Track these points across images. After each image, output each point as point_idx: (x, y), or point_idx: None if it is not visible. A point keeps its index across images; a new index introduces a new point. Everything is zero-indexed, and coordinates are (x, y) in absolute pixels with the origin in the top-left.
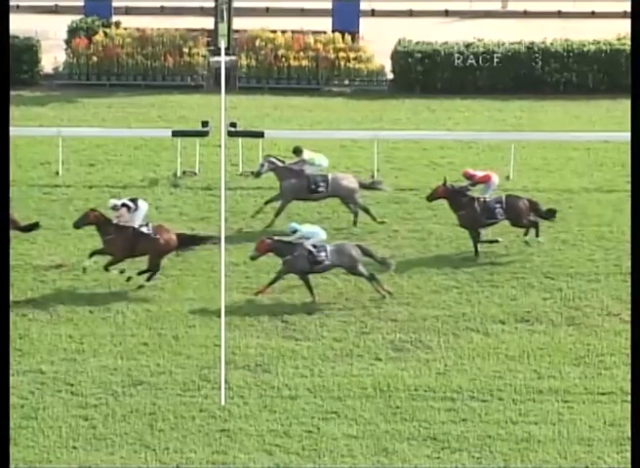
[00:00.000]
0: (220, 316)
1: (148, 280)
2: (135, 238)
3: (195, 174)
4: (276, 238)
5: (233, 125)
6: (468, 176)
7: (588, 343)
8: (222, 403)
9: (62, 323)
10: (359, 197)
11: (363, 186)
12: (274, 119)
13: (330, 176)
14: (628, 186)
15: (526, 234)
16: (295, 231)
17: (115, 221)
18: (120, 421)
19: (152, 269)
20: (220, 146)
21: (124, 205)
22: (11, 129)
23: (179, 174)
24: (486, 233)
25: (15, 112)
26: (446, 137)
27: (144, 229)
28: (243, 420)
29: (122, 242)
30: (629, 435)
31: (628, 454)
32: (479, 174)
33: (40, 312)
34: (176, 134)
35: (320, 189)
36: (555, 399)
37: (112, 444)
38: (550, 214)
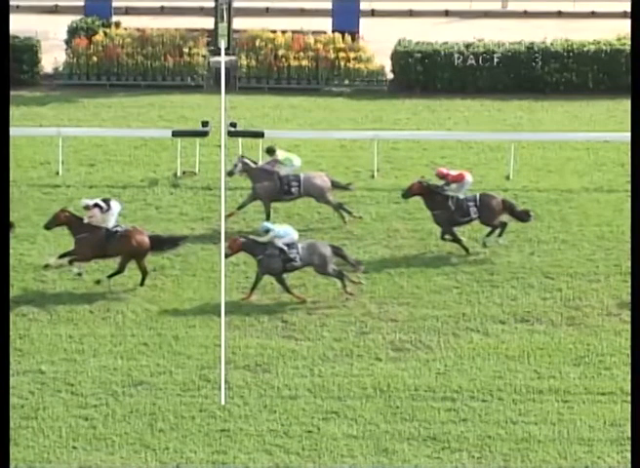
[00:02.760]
0: (219, 316)
1: (109, 277)
2: (107, 239)
3: (195, 173)
4: (251, 237)
5: (233, 125)
6: (442, 176)
7: (588, 343)
8: (222, 403)
9: (62, 323)
10: (331, 196)
11: (335, 186)
12: (274, 119)
13: (302, 176)
14: (628, 186)
15: (500, 235)
16: (267, 230)
17: (87, 221)
18: (120, 421)
19: (119, 270)
20: (220, 146)
21: (96, 205)
22: (11, 129)
23: (179, 173)
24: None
25: (15, 112)
26: (446, 137)
27: (117, 230)
28: (243, 420)
29: (93, 242)
30: (629, 435)
31: (628, 454)
32: (453, 173)
33: (40, 312)
34: (176, 134)
35: (293, 190)
36: (555, 399)
37: (112, 444)
38: (525, 216)
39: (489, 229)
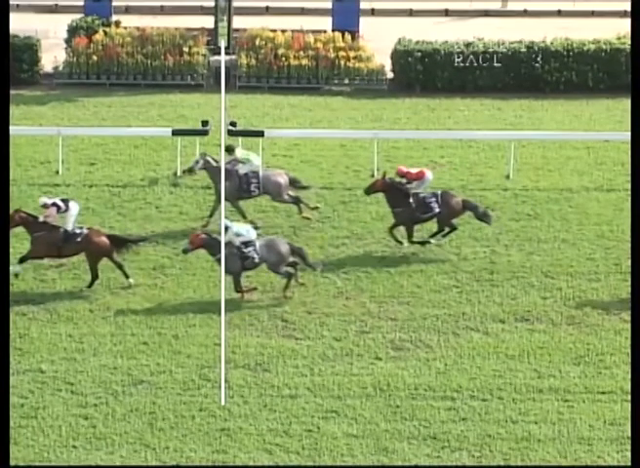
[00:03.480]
0: (219, 315)
1: (89, 286)
2: (65, 240)
3: (195, 173)
4: (214, 235)
5: (233, 124)
6: (402, 174)
7: (588, 342)
8: (222, 402)
9: (62, 322)
10: (286, 194)
11: (293, 184)
12: (274, 118)
13: (261, 174)
14: (628, 186)
15: (444, 236)
16: (226, 228)
17: (42, 220)
18: (120, 420)
19: (93, 276)
20: (219, 145)
21: (54, 204)
22: (11, 128)
23: (179, 173)
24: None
25: (15, 111)
26: (446, 137)
27: (76, 232)
28: (243, 419)
29: (49, 240)
30: (629, 434)
31: (628, 454)
32: (413, 171)
33: (40, 311)
34: (176, 133)
35: (252, 187)
36: (555, 398)
37: (112, 443)
38: (486, 218)
39: (442, 229)
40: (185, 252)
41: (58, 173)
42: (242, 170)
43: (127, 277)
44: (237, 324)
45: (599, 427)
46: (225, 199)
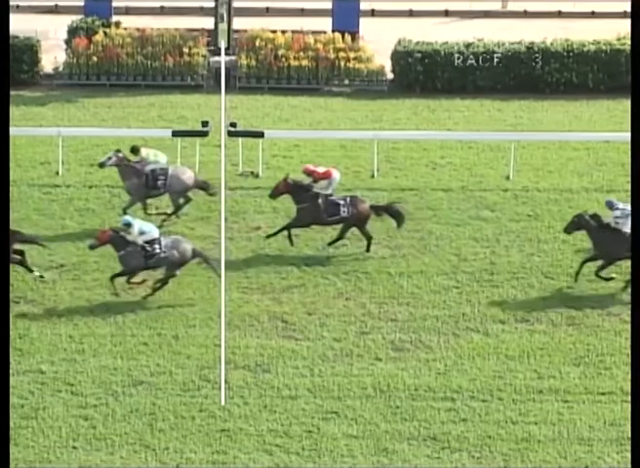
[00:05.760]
0: (219, 315)
1: None
2: None
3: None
4: (121, 233)
5: (233, 125)
6: (309, 173)
7: (588, 343)
8: (222, 403)
9: (62, 323)
10: (184, 195)
11: (197, 185)
12: (274, 119)
13: (170, 172)
14: (628, 186)
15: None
16: (128, 224)
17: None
18: (120, 421)
19: None
20: (220, 146)
21: None
22: (11, 129)
23: None
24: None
25: (15, 112)
26: (446, 137)
27: None
28: (243, 420)
29: None
30: (629, 435)
31: (628, 454)
32: (320, 170)
33: (40, 311)
34: (176, 133)
35: (159, 184)
36: (555, 399)
37: (112, 444)
38: (399, 217)
39: (343, 235)
40: (92, 248)
41: (58, 173)
42: (148, 167)
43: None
44: (237, 324)
45: (599, 428)
46: (132, 195)
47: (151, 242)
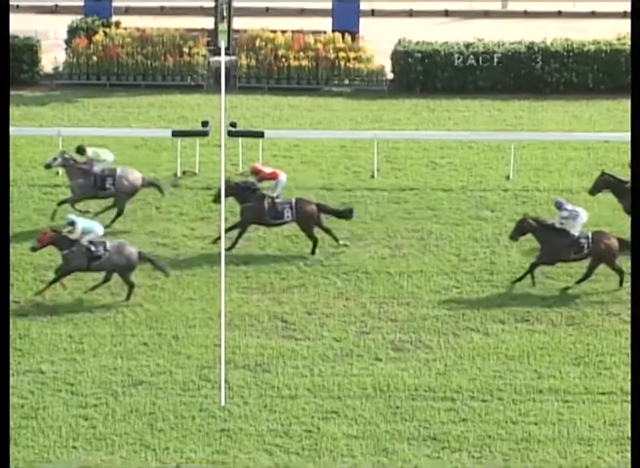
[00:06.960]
0: (219, 315)
1: None
2: None
3: (195, 173)
4: (64, 233)
5: (233, 125)
6: (256, 172)
7: (588, 343)
8: (222, 402)
9: (62, 323)
10: (137, 193)
11: (145, 185)
12: (274, 119)
13: (118, 173)
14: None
15: (313, 252)
16: (72, 223)
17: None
18: (120, 421)
19: None
20: (220, 146)
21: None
22: (11, 129)
23: (179, 173)
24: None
25: (15, 112)
26: (446, 137)
27: None
28: (243, 420)
29: None
30: (629, 435)
31: (628, 454)
32: (267, 170)
33: (40, 311)
34: (176, 133)
35: (107, 185)
36: (555, 399)
37: (112, 443)
38: (347, 213)
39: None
40: (34, 249)
41: (58, 173)
42: (96, 167)
43: None
44: (237, 324)
45: (599, 428)
46: (78, 195)
47: (96, 244)
